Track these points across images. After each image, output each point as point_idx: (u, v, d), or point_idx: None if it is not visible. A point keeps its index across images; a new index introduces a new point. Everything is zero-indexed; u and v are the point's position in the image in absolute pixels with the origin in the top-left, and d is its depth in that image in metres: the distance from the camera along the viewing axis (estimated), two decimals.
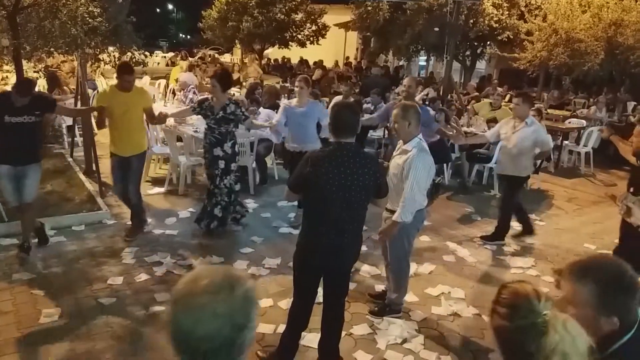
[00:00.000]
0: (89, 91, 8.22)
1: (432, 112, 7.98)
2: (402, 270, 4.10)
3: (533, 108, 9.23)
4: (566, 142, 10.15)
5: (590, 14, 12.73)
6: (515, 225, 6.17)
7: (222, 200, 5.50)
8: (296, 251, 3.22)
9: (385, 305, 4.17)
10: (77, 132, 8.34)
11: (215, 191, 5.47)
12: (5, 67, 6.78)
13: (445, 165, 7.97)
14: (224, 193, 5.49)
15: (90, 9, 6.18)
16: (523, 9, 14.77)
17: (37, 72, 7.21)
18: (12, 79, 7.01)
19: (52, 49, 6.34)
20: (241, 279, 1.25)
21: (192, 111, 5.61)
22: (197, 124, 7.34)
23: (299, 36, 21.78)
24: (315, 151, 3.09)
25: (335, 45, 24.99)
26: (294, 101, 6.06)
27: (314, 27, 22.03)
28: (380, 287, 4.51)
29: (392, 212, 3.86)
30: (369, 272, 4.88)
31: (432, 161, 3.85)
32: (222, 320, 1.15)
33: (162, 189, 6.89)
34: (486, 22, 14.99)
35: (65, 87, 9.69)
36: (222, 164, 5.39)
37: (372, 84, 11.90)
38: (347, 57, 24.97)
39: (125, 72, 5.08)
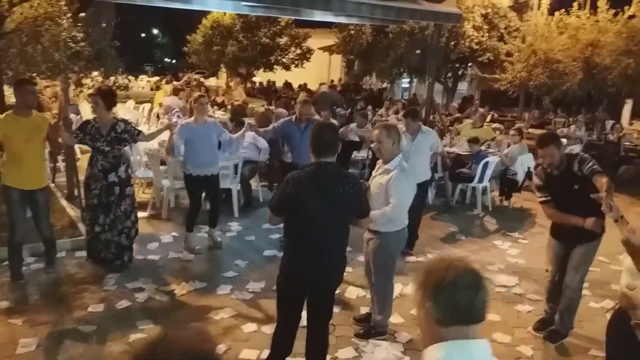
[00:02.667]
0: (72, 116, 8.19)
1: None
2: (386, 291, 4.09)
3: (514, 128, 9.41)
4: None
5: (568, 35, 13.05)
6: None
7: (125, 227, 5.13)
8: (279, 273, 3.19)
9: (371, 328, 4.14)
10: (59, 157, 8.26)
11: (113, 219, 5.04)
12: None
13: (428, 185, 8.01)
14: (123, 220, 5.11)
15: (73, 33, 6.18)
16: (503, 31, 15.14)
17: None
18: None
19: (34, 74, 6.33)
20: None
21: (74, 138, 5.01)
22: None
23: (284, 60, 22.04)
24: (296, 172, 3.05)
25: (319, 69, 25.31)
26: (191, 120, 5.74)
27: (298, 51, 22.33)
28: (365, 310, 4.48)
29: (375, 232, 3.86)
30: (354, 295, 4.85)
31: (414, 180, 3.89)
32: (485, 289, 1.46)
33: (144, 214, 6.82)
34: (467, 44, 15.30)
35: (48, 112, 9.63)
36: (117, 190, 5.00)
37: (322, 98, 12.39)
38: (332, 80, 25.25)
39: (27, 82, 4.62)
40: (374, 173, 4.02)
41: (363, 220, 3.36)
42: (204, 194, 6.10)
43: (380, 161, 3.95)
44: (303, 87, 20.77)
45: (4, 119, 4.57)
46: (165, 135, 5.97)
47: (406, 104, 16.17)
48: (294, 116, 6.01)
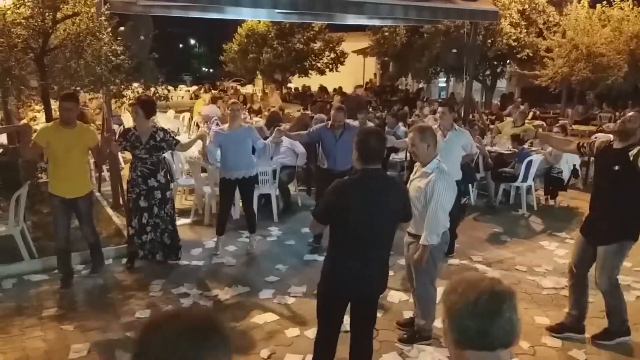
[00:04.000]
0: (115, 127, 8.42)
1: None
2: (429, 296, 4.01)
3: (557, 125, 9.14)
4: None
5: (611, 28, 12.63)
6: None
7: (168, 228, 5.34)
8: (321, 280, 3.15)
9: (415, 332, 4.07)
10: (104, 167, 8.50)
11: (156, 221, 5.27)
12: (36, 107, 7.01)
13: (470, 185, 7.86)
14: (167, 221, 5.33)
15: (113, 47, 6.36)
16: (541, 26, 14.75)
17: None
18: (42, 118, 7.25)
19: (78, 88, 6.54)
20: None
21: (119, 146, 5.26)
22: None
23: (318, 64, 22.12)
24: (342, 180, 3.02)
25: (354, 72, 25.24)
26: (225, 126, 5.93)
27: (332, 55, 22.36)
28: (408, 314, 4.41)
29: (415, 236, 3.81)
30: (397, 299, 4.79)
31: (454, 182, 3.82)
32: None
33: (188, 220, 6.94)
34: (504, 41, 14.98)
35: (92, 124, 9.94)
36: (158, 194, 5.22)
37: (354, 103, 12.45)
38: (367, 83, 25.15)
39: (64, 99, 4.72)
40: (412, 176, 3.96)
41: (407, 223, 3.34)
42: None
43: (417, 164, 3.89)
44: (338, 90, 20.77)
45: (50, 127, 4.88)
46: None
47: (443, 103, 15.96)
48: (329, 122, 6.04)
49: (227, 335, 1.22)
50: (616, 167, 3.77)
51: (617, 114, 14.00)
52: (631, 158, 3.65)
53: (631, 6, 12.68)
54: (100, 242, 5.38)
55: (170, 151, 6.87)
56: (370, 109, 14.28)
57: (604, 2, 13.20)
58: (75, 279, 5.11)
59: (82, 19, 6.32)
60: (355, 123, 7.41)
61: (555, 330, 4.21)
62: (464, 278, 1.46)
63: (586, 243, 4.08)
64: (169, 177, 5.43)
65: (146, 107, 5.13)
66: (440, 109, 5.84)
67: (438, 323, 4.25)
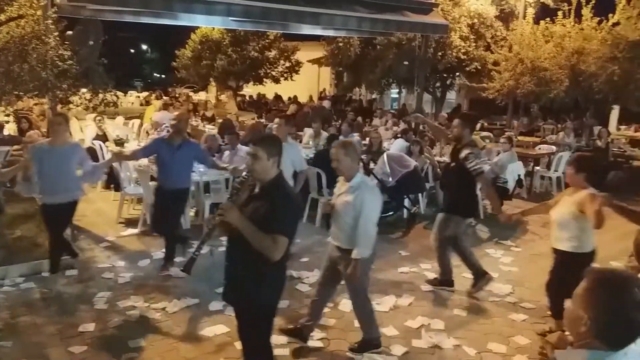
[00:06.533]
0: None
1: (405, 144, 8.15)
2: (365, 307, 4.02)
3: (504, 136, 9.46)
4: (537, 167, 10.35)
5: (554, 44, 13.20)
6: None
7: None
8: (269, 291, 3.01)
9: (365, 341, 4.10)
10: None
11: None
12: None
13: (420, 194, 8.03)
14: None
15: (60, 52, 6.16)
16: (489, 40, 15.27)
17: (8, 115, 7.13)
18: None
19: (21, 93, 6.29)
20: None
21: None
22: None
23: (273, 73, 22.12)
24: (291, 192, 3.04)
25: (309, 81, 25.38)
26: (46, 141, 5.04)
27: (287, 64, 22.42)
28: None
29: (345, 250, 3.81)
30: (349, 308, 4.77)
31: (379, 192, 3.96)
32: None
33: (135, 230, 6.77)
34: (454, 54, 15.42)
35: (37, 130, 9.58)
36: None
37: (318, 111, 13.34)
38: (321, 92, 25.33)
39: None
40: (336, 192, 3.96)
41: None
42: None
43: (341, 178, 3.90)
44: (293, 99, 20.83)
45: None
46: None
47: (396, 114, 16.27)
48: (166, 134, 5.69)
49: None
50: (452, 164, 5.02)
51: (560, 125, 14.66)
52: (460, 158, 4.78)
53: (572, 23, 13.31)
54: None
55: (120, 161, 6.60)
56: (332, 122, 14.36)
57: (548, 19, 13.80)
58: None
59: (28, 22, 6.10)
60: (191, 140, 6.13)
61: (432, 283, 5.34)
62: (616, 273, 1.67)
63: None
64: None
65: None
66: (276, 120, 5.86)
67: (389, 331, 4.31)
